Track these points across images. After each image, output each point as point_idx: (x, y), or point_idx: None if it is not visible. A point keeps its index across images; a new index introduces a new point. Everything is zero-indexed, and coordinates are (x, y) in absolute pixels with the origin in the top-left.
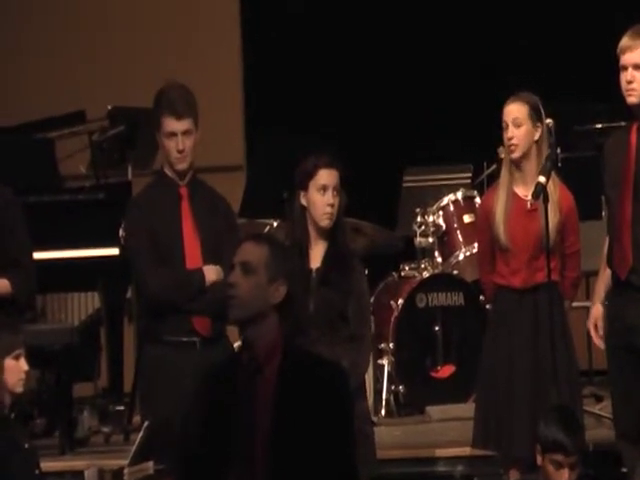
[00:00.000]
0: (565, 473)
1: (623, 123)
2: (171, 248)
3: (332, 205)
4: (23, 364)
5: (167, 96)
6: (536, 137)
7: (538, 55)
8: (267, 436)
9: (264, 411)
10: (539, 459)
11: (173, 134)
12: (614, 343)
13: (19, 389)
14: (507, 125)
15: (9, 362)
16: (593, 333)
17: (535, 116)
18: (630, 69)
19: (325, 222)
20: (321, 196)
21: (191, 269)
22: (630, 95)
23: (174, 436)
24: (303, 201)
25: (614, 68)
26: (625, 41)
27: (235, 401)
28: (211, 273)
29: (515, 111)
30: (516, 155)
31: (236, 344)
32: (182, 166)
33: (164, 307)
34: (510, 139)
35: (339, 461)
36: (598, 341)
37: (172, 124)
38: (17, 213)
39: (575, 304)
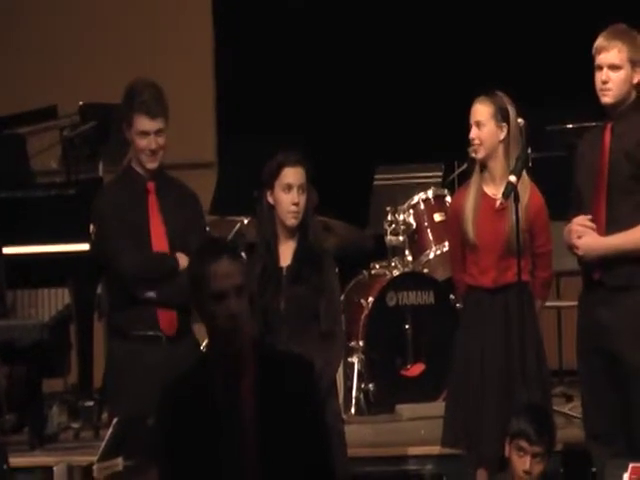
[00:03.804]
0: (527, 461)
1: (594, 123)
2: (138, 240)
3: (297, 204)
4: None
5: (140, 95)
6: (501, 137)
7: (511, 53)
8: (256, 442)
9: (249, 417)
10: (507, 450)
11: (146, 133)
12: (584, 344)
13: None
14: (471, 125)
15: None
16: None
17: (500, 116)
18: (605, 69)
19: (291, 221)
20: (286, 195)
21: (163, 252)
22: (605, 95)
23: (143, 431)
24: (270, 200)
25: (588, 68)
26: (600, 41)
27: (218, 412)
28: (182, 259)
29: (478, 111)
30: (480, 155)
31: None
32: (153, 165)
33: (136, 293)
34: (473, 139)
35: (317, 455)
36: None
37: (145, 123)
38: None
39: (546, 304)
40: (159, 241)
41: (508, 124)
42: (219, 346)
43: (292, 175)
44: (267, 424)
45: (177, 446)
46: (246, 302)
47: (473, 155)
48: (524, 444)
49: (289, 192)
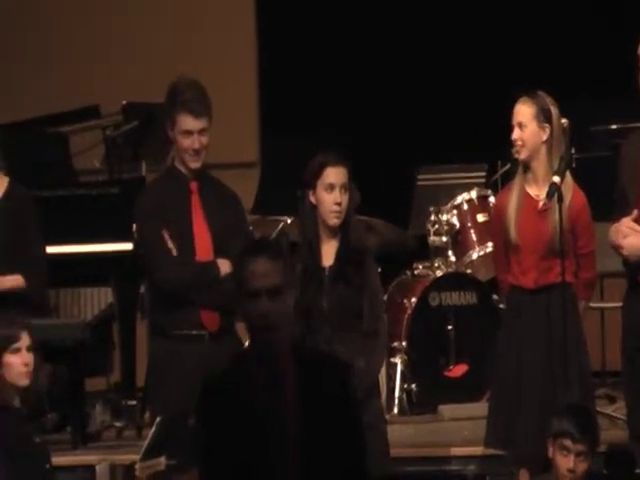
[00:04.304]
0: (571, 460)
1: (639, 124)
2: (181, 242)
3: (339, 203)
4: (24, 357)
5: (184, 94)
6: (544, 138)
7: (557, 52)
8: (296, 442)
9: (289, 417)
10: (550, 450)
11: (189, 132)
12: (629, 344)
13: (22, 382)
14: (514, 126)
15: (7, 358)
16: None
17: (543, 117)
18: None
19: (333, 221)
20: (328, 195)
21: (205, 261)
22: None
23: (185, 430)
24: (312, 199)
25: (632, 67)
26: None
27: (257, 411)
28: (225, 266)
29: (520, 112)
30: (522, 156)
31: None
32: (196, 165)
33: (177, 297)
34: (515, 140)
35: (352, 456)
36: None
37: (189, 122)
38: (31, 210)
39: (589, 305)
40: (202, 241)
41: (551, 125)
42: (257, 346)
43: (334, 175)
44: (307, 425)
45: (216, 444)
46: (284, 303)
47: (516, 156)
48: (567, 443)
49: (331, 192)
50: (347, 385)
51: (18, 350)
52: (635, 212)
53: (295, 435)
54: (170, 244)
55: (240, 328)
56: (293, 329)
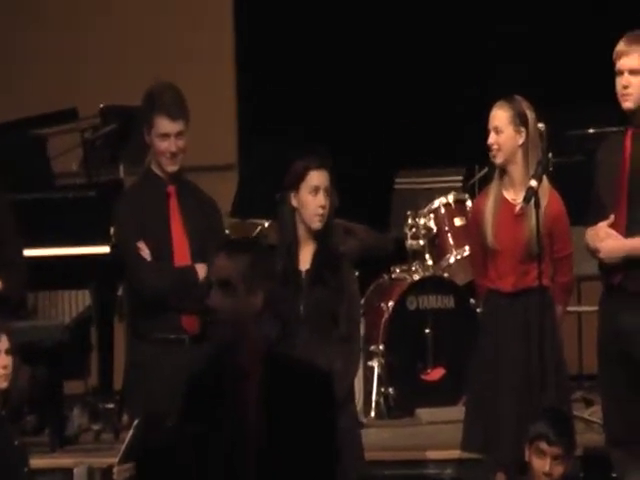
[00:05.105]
0: (547, 463)
1: (615, 129)
2: (160, 245)
3: (324, 207)
4: (3, 359)
5: (160, 97)
6: (520, 142)
7: (533, 57)
8: (257, 445)
9: (251, 419)
10: (527, 454)
11: (166, 135)
12: (605, 348)
13: (1, 385)
14: (489, 131)
15: None
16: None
17: (519, 121)
18: (626, 74)
19: (316, 224)
20: (313, 197)
21: (183, 266)
22: (626, 100)
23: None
24: (294, 202)
25: (609, 72)
26: (621, 46)
27: (221, 410)
28: (202, 270)
29: (496, 117)
30: (498, 160)
31: None
32: (173, 168)
33: (157, 303)
34: (491, 145)
35: (320, 467)
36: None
37: (166, 125)
38: (7, 212)
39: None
40: (180, 246)
41: (527, 129)
42: (211, 341)
43: (318, 177)
44: (271, 430)
45: (195, 442)
46: (232, 302)
47: (492, 160)
48: (543, 446)
49: (316, 195)
50: (326, 395)
51: None
52: (612, 217)
53: (256, 441)
54: (146, 253)
55: None
56: (263, 332)
